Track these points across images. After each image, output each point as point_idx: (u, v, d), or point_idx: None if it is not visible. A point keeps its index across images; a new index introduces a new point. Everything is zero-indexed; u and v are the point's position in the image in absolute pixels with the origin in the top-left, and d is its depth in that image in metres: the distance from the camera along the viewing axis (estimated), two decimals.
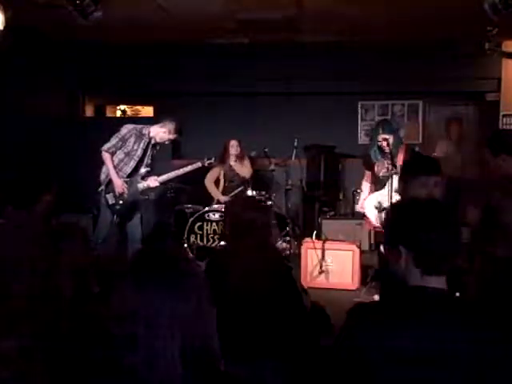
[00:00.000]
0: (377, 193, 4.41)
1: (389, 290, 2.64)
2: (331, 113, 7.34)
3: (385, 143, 4.21)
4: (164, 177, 5.05)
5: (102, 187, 4.85)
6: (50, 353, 1.74)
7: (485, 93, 7.24)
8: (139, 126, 4.86)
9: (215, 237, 5.63)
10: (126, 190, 4.82)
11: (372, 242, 5.81)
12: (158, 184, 5.03)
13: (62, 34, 6.10)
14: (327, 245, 4.97)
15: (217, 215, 5.65)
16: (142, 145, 4.82)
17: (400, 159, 4.24)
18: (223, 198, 5.88)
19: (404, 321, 1.40)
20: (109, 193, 4.83)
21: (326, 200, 6.73)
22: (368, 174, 4.56)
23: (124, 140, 4.77)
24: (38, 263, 2.01)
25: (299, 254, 5.14)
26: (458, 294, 1.95)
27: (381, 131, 4.28)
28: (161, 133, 4.88)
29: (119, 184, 4.79)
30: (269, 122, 7.30)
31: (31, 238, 2.19)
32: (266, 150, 5.99)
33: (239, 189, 5.96)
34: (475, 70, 6.97)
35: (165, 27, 6.02)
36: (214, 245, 5.61)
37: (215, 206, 5.80)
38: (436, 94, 7.52)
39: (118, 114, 9.06)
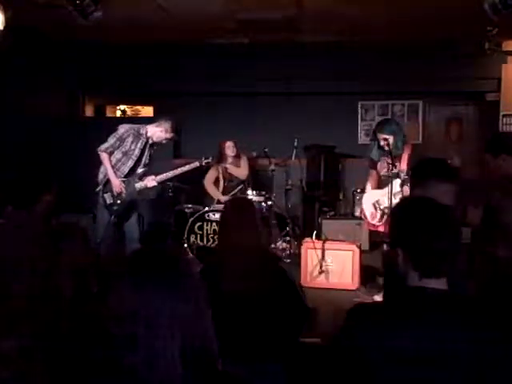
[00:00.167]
0: (378, 191, 4.41)
1: (392, 290, 2.63)
2: (331, 113, 7.33)
3: (385, 143, 4.22)
4: (162, 176, 5.05)
5: (100, 187, 4.85)
6: (50, 353, 1.74)
7: (485, 93, 7.23)
8: (136, 126, 4.85)
9: (215, 237, 5.61)
10: (123, 189, 4.82)
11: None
12: (155, 184, 5.02)
13: (62, 34, 6.10)
14: (327, 245, 4.96)
15: (217, 215, 5.64)
16: (139, 144, 4.82)
17: (405, 159, 4.24)
18: (223, 198, 5.87)
19: (404, 321, 1.40)
20: (106, 192, 4.82)
21: (326, 200, 6.72)
22: (373, 173, 4.54)
23: (122, 140, 4.77)
24: (38, 263, 2.02)
25: (299, 254, 5.12)
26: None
27: (381, 131, 4.29)
28: (158, 132, 4.88)
29: (117, 184, 4.79)
30: (269, 122, 7.29)
31: (31, 238, 2.19)
32: (266, 150, 5.98)
33: (239, 188, 5.96)
34: (475, 70, 6.97)
35: (165, 27, 6.02)
36: (214, 245, 5.60)
37: (215, 206, 5.80)
38: (436, 94, 7.51)
39: (118, 114, 9.05)
